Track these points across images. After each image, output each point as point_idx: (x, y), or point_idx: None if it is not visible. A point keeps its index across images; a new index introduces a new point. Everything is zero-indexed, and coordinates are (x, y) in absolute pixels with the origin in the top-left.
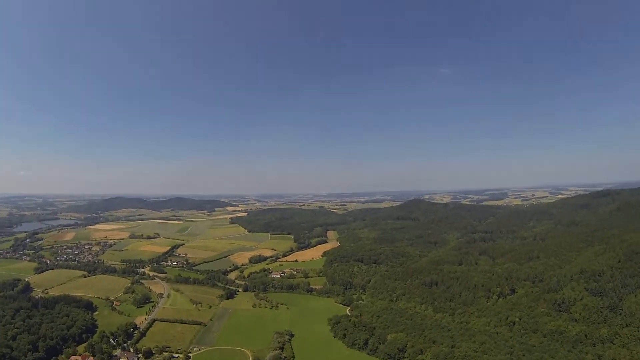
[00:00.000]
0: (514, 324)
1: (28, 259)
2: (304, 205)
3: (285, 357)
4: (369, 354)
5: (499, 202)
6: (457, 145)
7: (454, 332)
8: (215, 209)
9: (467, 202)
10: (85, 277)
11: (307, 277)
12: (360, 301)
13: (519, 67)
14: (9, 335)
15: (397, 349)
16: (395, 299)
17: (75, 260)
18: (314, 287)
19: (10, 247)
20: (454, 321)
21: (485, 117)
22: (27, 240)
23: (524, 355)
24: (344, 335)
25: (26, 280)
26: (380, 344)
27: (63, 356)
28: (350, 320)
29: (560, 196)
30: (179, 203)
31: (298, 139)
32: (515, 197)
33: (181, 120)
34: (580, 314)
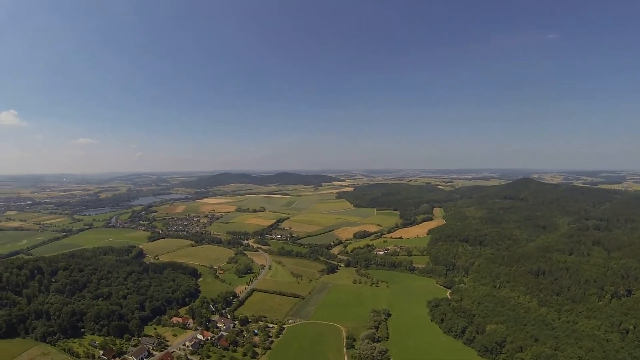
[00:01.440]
0: (628, 332)
1: (143, 228)
2: (410, 180)
3: (379, 337)
4: (464, 344)
5: (616, 186)
6: (568, 122)
7: (558, 331)
8: (322, 183)
9: (580, 184)
10: (192, 246)
11: (410, 255)
12: (462, 284)
13: None
14: (121, 295)
15: (496, 342)
16: (498, 285)
17: (184, 230)
18: (416, 265)
19: (128, 218)
20: (559, 318)
21: (601, 90)
22: (143, 212)
23: None
24: (442, 320)
25: (140, 247)
26: (478, 334)
27: (166, 316)
28: (449, 304)
29: None
30: (285, 178)
31: (403, 115)
32: (635, 182)
33: (288, 98)
34: None
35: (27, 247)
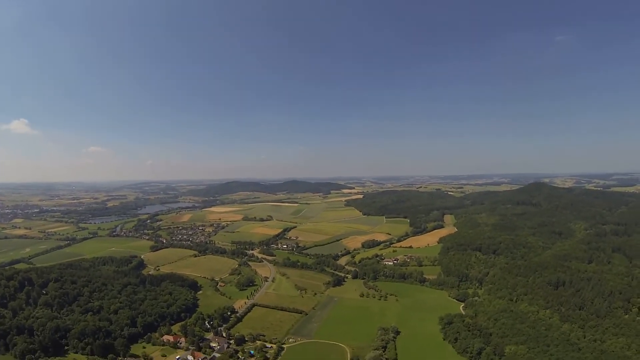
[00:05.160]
0: None
1: (147, 237)
2: (420, 187)
3: (386, 358)
4: None
5: (630, 189)
6: (578, 122)
7: (585, 352)
8: (331, 191)
9: (593, 188)
10: (195, 256)
11: (421, 266)
12: (476, 297)
13: None
14: (112, 309)
15: None
16: (515, 298)
17: (188, 240)
18: (427, 277)
19: (133, 227)
20: (584, 337)
21: (611, 88)
22: (148, 221)
23: None
24: (456, 339)
25: (141, 257)
26: (496, 355)
27: (157, 334)
28: (463, 321)
29: None
30: (294, 186)
31: (411, 118)
32: None
33: (297, 110)
34: None
35: (29, 256)
